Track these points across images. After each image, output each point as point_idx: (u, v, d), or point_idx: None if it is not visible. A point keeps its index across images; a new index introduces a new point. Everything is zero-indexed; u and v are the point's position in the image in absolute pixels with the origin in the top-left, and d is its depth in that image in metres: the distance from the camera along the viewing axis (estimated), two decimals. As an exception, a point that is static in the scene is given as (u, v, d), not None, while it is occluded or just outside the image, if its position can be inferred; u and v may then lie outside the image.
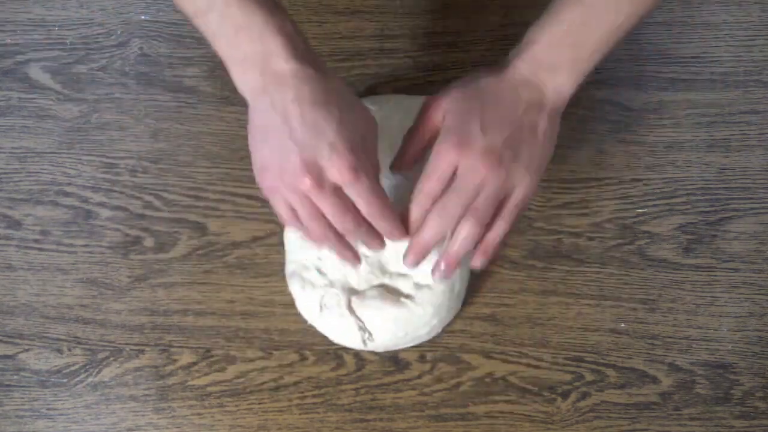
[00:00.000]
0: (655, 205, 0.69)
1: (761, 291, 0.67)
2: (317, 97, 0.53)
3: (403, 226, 0.57)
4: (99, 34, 0.73)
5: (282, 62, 0.53)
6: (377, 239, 0.58)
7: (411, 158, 0.60)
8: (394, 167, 0.61)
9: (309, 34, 0.69)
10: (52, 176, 0.70)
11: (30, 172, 0.70)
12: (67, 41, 0.73)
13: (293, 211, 0.56)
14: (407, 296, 0.62)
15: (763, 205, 0.69)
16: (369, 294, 0.62)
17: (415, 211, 0.57)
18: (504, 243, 0.58)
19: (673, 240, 0.68)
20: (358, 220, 0.56)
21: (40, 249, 0.68)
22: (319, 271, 0.63)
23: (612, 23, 0.55)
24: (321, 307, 0.63)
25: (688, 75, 0.72)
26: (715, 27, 0.73)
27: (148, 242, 0.68)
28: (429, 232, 0.56)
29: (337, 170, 0.53)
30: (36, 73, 0.72)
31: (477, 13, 0.74)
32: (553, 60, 0.56)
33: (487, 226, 0.56)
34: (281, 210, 0.56)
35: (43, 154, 0.70)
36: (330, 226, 0.56)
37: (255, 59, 0.53)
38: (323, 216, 0.55)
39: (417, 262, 0.59)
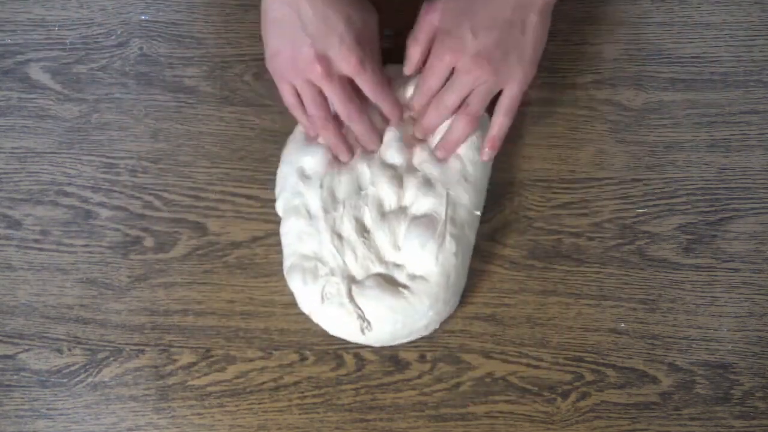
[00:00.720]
0: (655, 205, 0.69)
1: (761, 291, 0.67)
2: None
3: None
4: (99, 34, 0.73)
5: None
6: (374, 137, 0.66)
7: (418, 62, 0.66)
8: (406, 71, 0.66)
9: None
10: (52, 176, 0.70)
11: (30, 172, 0.70)
12: (67, 41, 0.73)
13: (298, 98, 0.64)
14: (404, 286, 0.63)
15: (763, 205, 0.69)
16: (368, 283, 0.63)
17: (417, 102, 0.66)
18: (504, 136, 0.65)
19: (673, 240, 0.68)
20: (361, 108, 0.64)
21: (40, 249, 0.68)
22: (320, 260, 0.63)
23: None
24: (323, 297, 0.63)
25: (688, 75, 0.72)
26: (715, 27, 0.73)
27: (148, 242, 0.68)
28: (428, 119, 0.65)
29: (346, 62, 0.61)
30: (36, 73, 0.72)
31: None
32: None
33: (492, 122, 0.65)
34: (287, 95, 0.64)
35: (43, 154, 0.70)
36: (330, 116, 0.64)
37: None
38: (327, 106, 0.64)
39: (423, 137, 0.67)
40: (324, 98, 0.64)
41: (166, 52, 0.73)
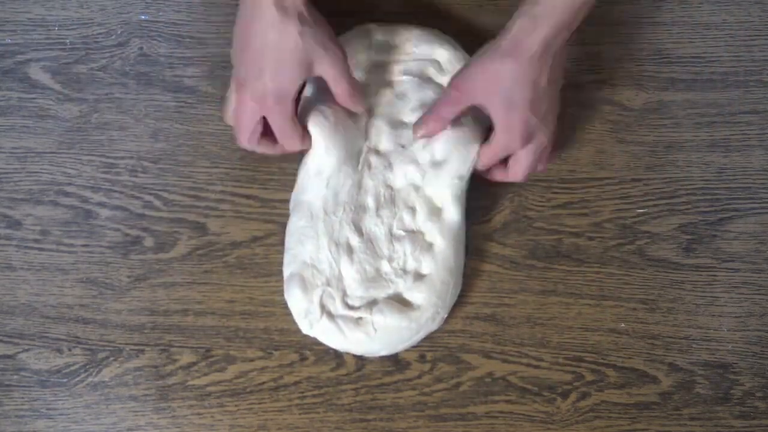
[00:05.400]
0: (655, 205, 0.69)
1: (761, 291, 0.67)
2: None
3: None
4: (99, 34, 0.73)
5: None
6: (358, 96, 0.65)
7: (435, 132, 0.65)
8: (416, 133, 0.66)
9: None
10: (52, 176, 0.70)
11: (30, 172, 0.70)
12: (67, 41, 0.73)
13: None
14: (409, 304, 0.63)
15: (763, 205, 0.69)
16: (378, 309, 0.63)
17: (429, 129, 0.65)
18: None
19: (673, 240, 0.68)
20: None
21: (40, 249, 0.68)
22: (316, 267, 0.63)
23: None
24: (322, 308, 0.63)
25: (688, 75, 0.72)
26: (715, 27, 0.73)
27: (148, 242, 0.68)
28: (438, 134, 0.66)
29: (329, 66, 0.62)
30: (36, 73, 0.72)
31: (477, 13, 0.74)
32: (534, 25, 0.59)
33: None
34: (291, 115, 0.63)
35: (43, 154, 0.70)
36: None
37: None
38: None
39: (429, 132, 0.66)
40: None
41: (166, 52, 0.73)
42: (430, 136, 0.65)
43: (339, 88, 0.63)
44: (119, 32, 0.73)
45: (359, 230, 0.65)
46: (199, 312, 0.67)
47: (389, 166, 0.67)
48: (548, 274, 0.67)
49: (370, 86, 0.69)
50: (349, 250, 0.64)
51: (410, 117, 0.68)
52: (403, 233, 0.65)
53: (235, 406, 0.65)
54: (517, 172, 0.64)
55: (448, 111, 0.64)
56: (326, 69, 0.61)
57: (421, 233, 0.65)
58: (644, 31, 0.73)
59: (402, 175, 0.66)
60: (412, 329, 0.63)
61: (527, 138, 0.62)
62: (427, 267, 0.64)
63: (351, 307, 0.63)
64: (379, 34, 0.71)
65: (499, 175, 0.66)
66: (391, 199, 0.66)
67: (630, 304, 0.67)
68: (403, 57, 0.70)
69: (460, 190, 0.65)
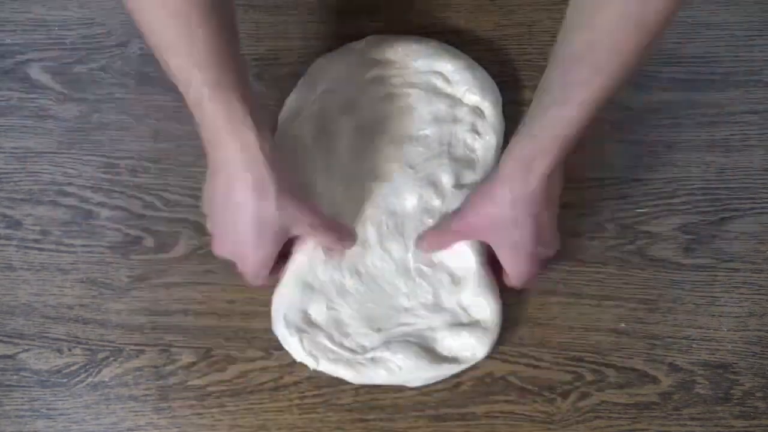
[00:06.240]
0: (655, 205, 0.69)
1: (761, 291, 0.67)
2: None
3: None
4: (99, 34, 0.73)
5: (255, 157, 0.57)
6: (347, 234, 0.65)
7: (433, 250, 0.65)
8: (418, 245, 0.65)
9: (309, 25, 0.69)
10: (52, 176, 0.70)
11: (30, 172, 0.70)
12: (67, 41, 0.73)
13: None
14: (451, 358, 0.63)
15: (763, 205, 0.69)
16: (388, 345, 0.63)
17: (428, 248, 0.65)
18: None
19: (673, 240, 0.68)
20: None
21: (40, 249, 0.68)
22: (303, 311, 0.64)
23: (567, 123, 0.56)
24: (317, 350, 0.63)
25: (688, 75, 0.72)
26: (716, 27, 0.73)
27: (148, 242, 0.68)
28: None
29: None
30: (36, 73, 0.72)
31: (477, 13, 0.74)
32: (530, 164, 0.57)
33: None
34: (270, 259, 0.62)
35: (43, 154, 0.70)
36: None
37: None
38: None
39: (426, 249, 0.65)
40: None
41: (166, 52, 0.72)
42: (425, 251, 0.65)
43: (321, 239, 0.63)
44: (119, 32, 0.73)
45: (352, 270, 0.64)
46: (199, 312, 0.67)
47: (395, 190, 0.66)
48: (548, 274, 0.67)
49: (364, 101, 0.68)
50: (343, 291, 0.64)
51: (424, 131, 0.67)
52: (424, 268, 0.65)
53: (235, 406, 0.65)
54: (517, 281, 0.64)
55: (448, 240, 0.64)
56: (303, 230, 0.61)
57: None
58: (644, 31, 0.73)
59: (415, 198, 0.66)
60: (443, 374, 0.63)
61: (534, 264, 0.62)
62: (471, 305, 0.64)
63: (354, 349, 0.63)
64: (373, 50, 0.70)
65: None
66: (396, 227, 0.66)
67: (630, 304, 0.67)
68: (402, 71, 0.69)
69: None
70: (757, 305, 0.67)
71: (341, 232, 0.64)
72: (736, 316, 0.66)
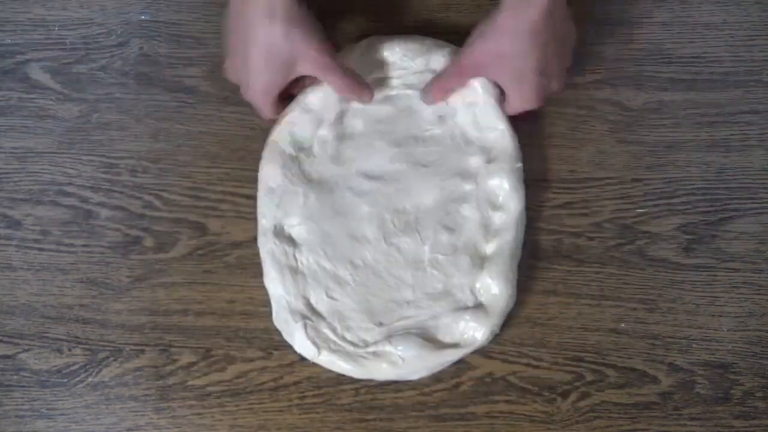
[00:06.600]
0: (655, 205, 0.69)
1: (761, 291, 0.67)
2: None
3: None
4: (99, 34, 0.73)
5: None
6: (364, 85, 0.66)
7: (437, 101, 0.67)
8: (425, 99, 0.67)
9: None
10: (52, 176, 0.70)
11: (30, 172, 0.70)
12: (67, 41, 0.73)
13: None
14: (452, 344, 0.63)
15: (763, 205, 0.69)
16: (401, 337, 0.63)
17: (432, 99, 0.67)
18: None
19: (673, 240, 0.68)
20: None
21: (40, 249, 0.68)
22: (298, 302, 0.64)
23: None
24: (318, 343, 0.63)
25: (688, 75, 0.72)
26: (715, 27, 0.73)
27: (148, 242, 0.68)
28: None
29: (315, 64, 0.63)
30: (36, 73, 0.72)
31: (477, 13, 0.74)
32: None
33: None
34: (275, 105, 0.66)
35: (43, 154, 0.70)
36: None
37: None
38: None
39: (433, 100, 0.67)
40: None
41: (166, 52, 0.73)
42: (432, 104, 0.67)
43: (333, 83, 0.64)
44: (119, 32, 0.73)
45: (344, 260, 0.65)
46: (199, 312, 0.67)
47: (404, 189, 0.66)
48: (548, 274, 0.67)
49: (359, 109, 0.68)
50: (338, 279, 0.64)
51: (431, 131, 0.68)
52: (440, 257, 0.65)
53: (235, 406, 0.65)
54: (520, 106, 0.66)
55: (453, 82, 0.66)
56: (311, 68, 0.62)
57: (469, 252, 0.65)
58: (644, 31, 0.73)
59: (437, 192, 0.66)
60: (450, 360, 0.64)
61: (542, 96, 0.63)
62: (483, 288, 0.64)
63: (356, 342, 0.63)
64: (373, 51, 0.69)
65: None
66: (408, 224, 0.66)
67: (630, 304, 0.67)
68: (401, 72, 0.69)
69: (516, 178, 0.66)
70: (757, 305, 0.67)
71: (356, 82, 0.65)
72: (736, 316, 0.66)
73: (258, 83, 0.62)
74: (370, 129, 0.68)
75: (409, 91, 0.69)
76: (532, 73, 0.62)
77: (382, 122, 0.68)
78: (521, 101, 0.64)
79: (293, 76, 0.63)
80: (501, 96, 0.66)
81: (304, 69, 0.62)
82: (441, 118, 0.68)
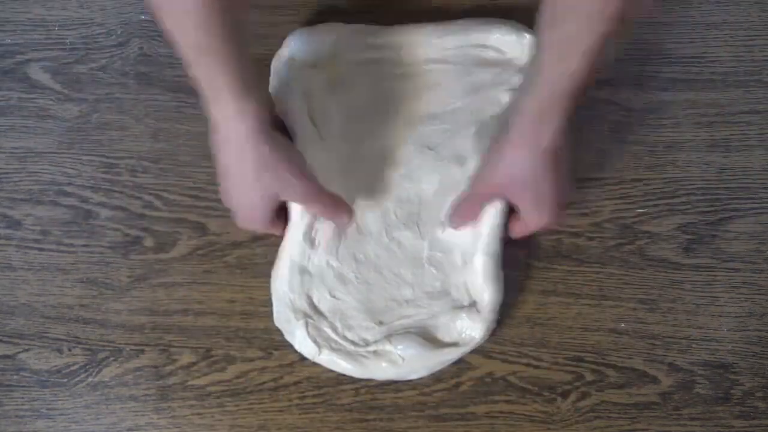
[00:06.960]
0: (655, 205, 0.69)
1: (761, 291, 0.67)
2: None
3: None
4: (99, 34, 0.73)
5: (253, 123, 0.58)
6: (343, 207, 0.65)
7: (462, 227, 0.65)
8: (451, 226, 0.65)
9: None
10: (52, 176, 0.70)
11: (30, 172, 0.70)
12: (67, 41, 0.73)
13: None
14: (451, 343, 0.63)
15: (763, 205, 0.69)
16: (401, 336, 0.63)
17: (456, 225, 0.65)
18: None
19: (673, 240, 0.68)
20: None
21: (40, 249, 0.68)
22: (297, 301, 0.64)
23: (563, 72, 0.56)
24: (318, 341, 0.63)
25: (688, 75, 0.72)
26: (715, 27, 0.73)
27: (148, 242, 0.68)
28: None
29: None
30: (36, 73, 0.72)
31: (478, 13, 0.74)
32: (541, 116, 0.58)
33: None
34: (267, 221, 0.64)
35: (43, 154, 0.70)
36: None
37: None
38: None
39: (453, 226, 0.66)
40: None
41: (166, 52, 0.73)
42: (457, 229, 0.65)
43: (314, 209, 0.63)
44: (119, 32, 0.73)
45: (348, 257, 0.65)
46: (199, 312, 0.67)
47: (408, 176, 0.67)
48: (548, 274, 0.67)
49: (364, 87, 0.68)
50: (342, 278, 0.64)
51: (453, 105, 0.67)
52: (438, 254, 0.65)
53: (235, 406, 0.65)
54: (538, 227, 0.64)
55: (478, 207, 0.64)
56: (295, 197, 0.62)
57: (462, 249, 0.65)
58: (644, 31, 0.73)
59: (437, 181, 0.66)
60: (452, 358, 0.64)
61: (560, 212, 0.62)
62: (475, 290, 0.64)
63: (356, 341, 0.63)
64: (381, 36, 0.70)
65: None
66: (410, 216, 0.66)
67: (630, 304, 0.67)
68: (418, 50, 0.69)
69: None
70: (757, 305, 0.67)
71: (337, 206, 0.64)
72: (736, 316, 0.66)
73: (246, 216, 0.62)
74: (373, 109, 0.68)
75: (434, 66, 0.69)
76: (549, 193, 0.60)
77: (389, 102, 0.68)
78: (538, 222, 0.62)
79: (275, 202, 0.62)
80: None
81: (287, 197, 0.62)
82: (474, 89, 0.67)
